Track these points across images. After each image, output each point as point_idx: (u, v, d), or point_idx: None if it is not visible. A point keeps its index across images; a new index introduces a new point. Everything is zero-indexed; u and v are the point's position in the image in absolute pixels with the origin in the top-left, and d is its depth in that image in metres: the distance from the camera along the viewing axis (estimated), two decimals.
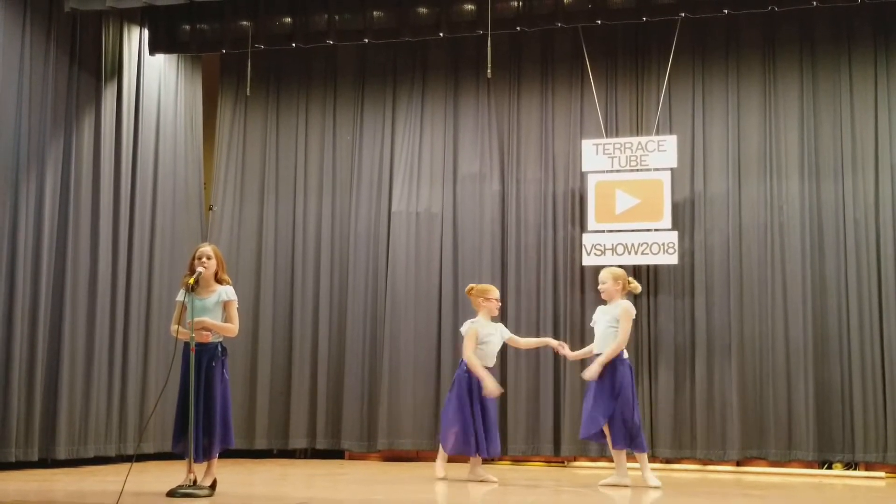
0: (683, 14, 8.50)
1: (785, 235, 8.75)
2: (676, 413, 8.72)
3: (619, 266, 8.69)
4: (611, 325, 7.20)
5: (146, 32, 9.22)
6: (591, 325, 7.46)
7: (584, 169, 9.10)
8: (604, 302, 7.46)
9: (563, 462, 9.02)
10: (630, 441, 7.08)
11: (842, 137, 8.73)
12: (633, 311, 7.29)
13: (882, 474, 8.31)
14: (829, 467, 8.49)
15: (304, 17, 9.05)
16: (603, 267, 7.73)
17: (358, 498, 6.33)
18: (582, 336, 9.00)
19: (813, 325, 8.55)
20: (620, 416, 7.05)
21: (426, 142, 9.68)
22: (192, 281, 6.06)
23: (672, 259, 8.75)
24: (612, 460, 7.88)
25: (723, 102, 9.06)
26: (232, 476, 7.20)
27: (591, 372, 7.14)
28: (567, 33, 9.26)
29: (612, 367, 7.12)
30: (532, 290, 9.22)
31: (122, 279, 8.69)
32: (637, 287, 7.42)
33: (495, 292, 7.74)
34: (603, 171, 9.01)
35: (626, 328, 7.14)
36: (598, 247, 8.90)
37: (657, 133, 9.02)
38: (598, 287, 7.43)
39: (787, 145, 8.85)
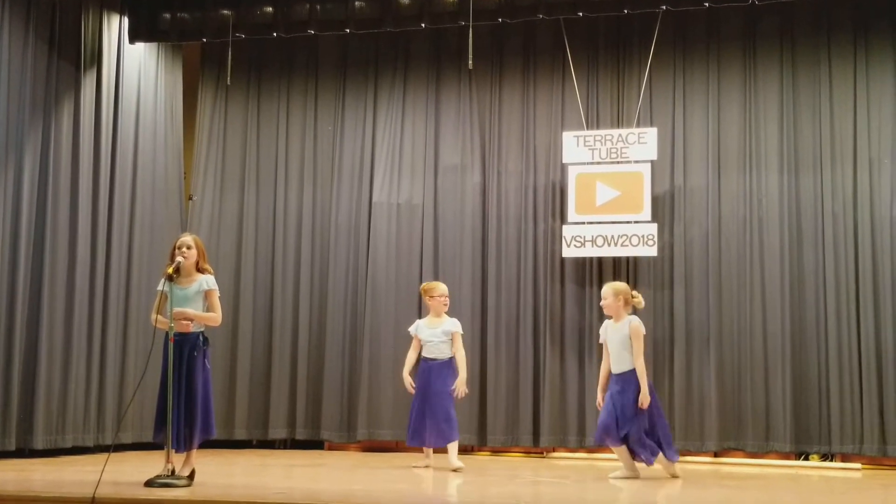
0: (665, 7, 8.53)
1: (764, 229, 8.79)
2: None
3: (604, 260, 8.78)
4: (623, 345, 7.05)
5: (126, 20, 9.17)
6: (600, 342, 7.31)
7: (564, 161, 9.12)
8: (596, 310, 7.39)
9: (542, 452, 9.06)
10: (650, 455, 7.00)
11: (821, 131, 8.78)
12: (643, 329, 7.11)
13: (858, 465, 8.38)
14: (806, 458, 8.56)
15: (286, 7, 9.03)
16: (604, 282, 7.71)
17: (337, 488, 6.34)
18: (562, 327, 9.05)
19: (791, 318, 8.60)
20: (637, 433, 6.94)
21: (407, 133, 9.68)
22: (171, 270, 6.04)
23: (651, 251, 8.78)
24: (589, 451, 7.92)
25: (703, 95, 9.10)
26: (211, 466, 7.19)
27: (645, 401, 6.90)
28: (549, 25, 9.27)
29: (635, 384, 6.97)
30: (512, 282, 9.24)
31: (100, 269, 8.65)
32: (640, 302, 7.22)
33: (439, 289, 7.81)
34: (583, 164, 9.02)
35: (639, 348, 7.00)
36: (577, 238, 8.93)
37: (638, 125, 9.05)
38: (601, 303, 7.31)
39: (767, 139, 8.90)
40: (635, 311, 7.28)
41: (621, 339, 7.08)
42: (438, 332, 7.72)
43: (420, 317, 9.20)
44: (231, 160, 9.95)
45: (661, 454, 7.03)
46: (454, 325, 7.78)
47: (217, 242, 9.66)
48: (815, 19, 8.92)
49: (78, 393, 8.37)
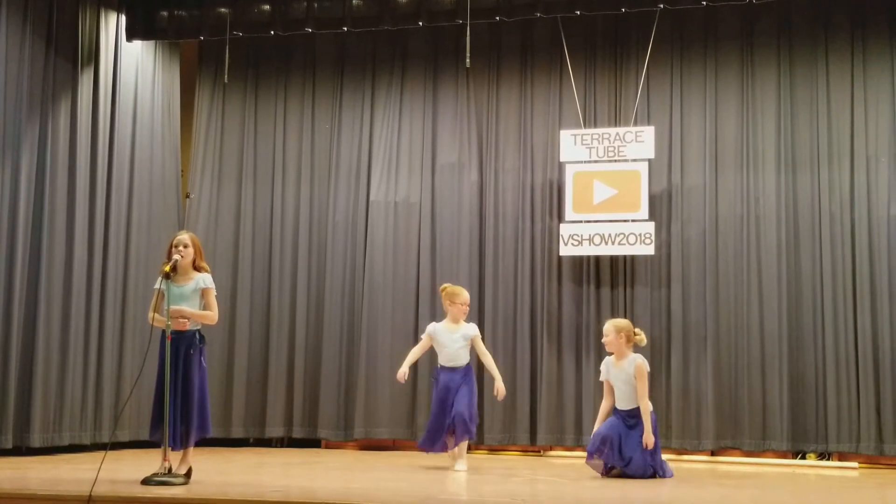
0: (662, 5, 8.52)
1: (761, 227, 8.79)
2: (652, 403, 8.72)
3: (601, 258, 8.76)
4: (629, 383, 7.00)
5: (123, 18, 9.16)
6: (601, 380, 7.24)
7: (562, 159, 9.11)
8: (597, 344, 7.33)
9: (538, 451, 9.06)
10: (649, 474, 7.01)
11: (818, 129, 8.78)
12: (647, 367, 7.07)
13: (855, 464, 8.39)
14: (803, 457, 8.56)
15: (283, 5, 9.02)
16: (608, 318, 7.63)
17: (335, 486, 6.34)
18: (559, 326, 9.05)
19: (788, 316, 8.60)
20: (642, 462, 6.94)
21: (405, 131, 9.68)
22: (168, 268, 6.04)
23: (649, 250, 8.78)
24: (584, 449, 7.89)
25: (701, 94, 9.10)
26: (208, 464, 7.18)
27: (650, 441, 6.90)
28: (546, 23, 9.26)
29: (641, 419, 6.97)
30: (509, 280, 9.24)
31: (97, 266, 8.64)
32: (643, 340, 7.16)
33: (463, 297, 7.66)
34: (581, 162, 9.02)
35: (644, 389, 6.96)
36: (575, 237, 8.93)
37: (635, 124, 9.05)
38: (602, 339, 7.24)
39: (764, 137, 8.90)
40: (637, 349, 7.23)
41: (626, 379, 7.02)
42: (457, 338, 7.58)
43: (418, 314, 9.24)
44: (228, 158, 9.94)
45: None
46: (473, 329, 7.65)
47: (214, 240, 9.66)
48: (812, 18, 8.92)
49: (75, 391, 8.36)
